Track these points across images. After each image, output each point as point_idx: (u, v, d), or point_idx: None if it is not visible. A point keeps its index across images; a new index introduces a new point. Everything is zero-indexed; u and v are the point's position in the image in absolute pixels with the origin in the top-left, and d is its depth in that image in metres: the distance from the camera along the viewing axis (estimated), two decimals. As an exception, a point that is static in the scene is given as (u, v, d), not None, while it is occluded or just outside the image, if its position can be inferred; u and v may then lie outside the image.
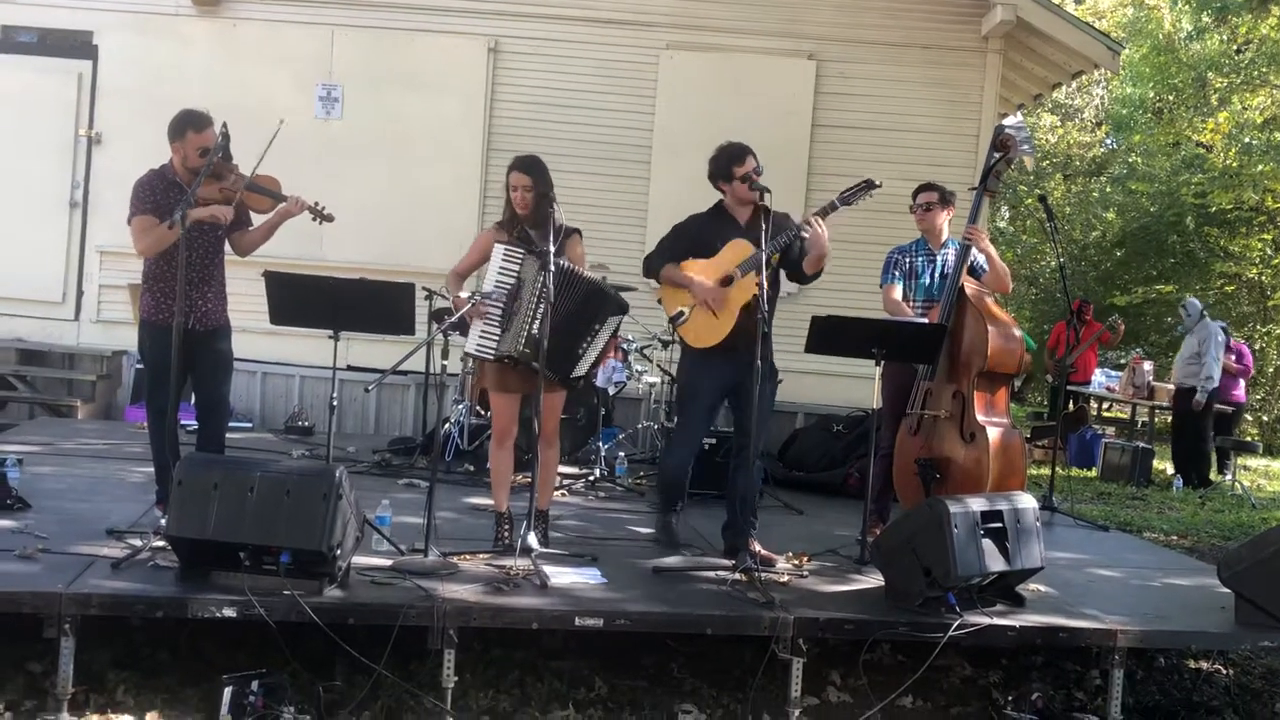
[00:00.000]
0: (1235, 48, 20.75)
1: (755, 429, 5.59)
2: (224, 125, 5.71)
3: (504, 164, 9.53)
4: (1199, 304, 12.85)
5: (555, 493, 6.61)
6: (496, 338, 5.45)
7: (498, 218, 5.93)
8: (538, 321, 5.31)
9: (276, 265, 6.07)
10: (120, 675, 4.66)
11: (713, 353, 5.92)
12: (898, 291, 6.67)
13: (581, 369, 5.56)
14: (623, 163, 10.06)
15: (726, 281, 5.90)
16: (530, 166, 5.65)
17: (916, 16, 10.18)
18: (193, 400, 6.09)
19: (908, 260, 6.72)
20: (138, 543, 5.09)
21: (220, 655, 4.79)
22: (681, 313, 5.99)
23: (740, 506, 5.85)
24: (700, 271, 5.96)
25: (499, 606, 4.74)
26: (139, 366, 9.77)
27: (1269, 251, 19.55)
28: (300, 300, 5.56)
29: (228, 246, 6.00)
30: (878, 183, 5.95)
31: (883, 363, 6.03)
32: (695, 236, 6.04)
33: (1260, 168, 18.14)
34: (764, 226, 5.63)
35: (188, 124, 5.74)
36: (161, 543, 4.92)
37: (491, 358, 5.49)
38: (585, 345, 5.47)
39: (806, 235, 5.85)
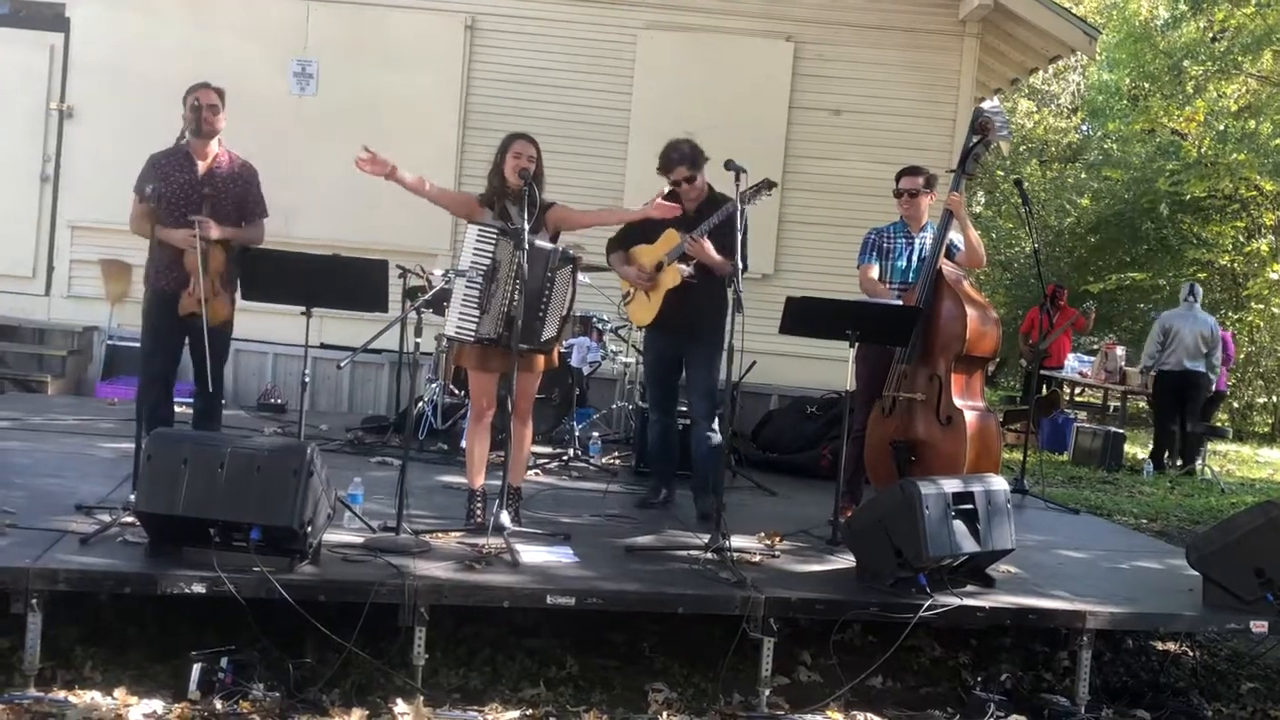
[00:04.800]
0: (1211, 36, 20.83)
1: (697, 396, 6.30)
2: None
3: (480, 142, 9.66)
4: (1188, 287, 12.91)
5: (529, 472, 6.62)
6: (476, 320, 5.41)
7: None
8: (515, 303, 5.29)
9: (249, 240, 6.05)
10: (88, 651, 4.63)
11: (656, 329, 6.54)
12: (874, 271, 6.66)
13: (549, 330, 5.53)
14: (599, 142, 10.00)
15: (659, 267, 6.38)
16: (535, 141, 5.69)
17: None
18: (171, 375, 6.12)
19: (885, 241, 6.69)
20: (107, 518, 5.05)
21: (189, 631, 4.76)
22: (627, 294, 6.69)
23: (697, 470, 6.53)
24: (642, 255, 6.47)
25: (471, 584, 4.73)
26: (110, 342, 9.73)
27: (1241, 239, 19.68)
28: (273, 276, 5.52)
29: None
30: (774, 182, 6.21)
31: (858, 344, 6.05)
32: (643, 225, 6.32)
33: (1235, 156, 18.26)
34: (738, 217, 5.86)
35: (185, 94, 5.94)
36: (131, 518, 4.89)
37: (472, 340, 5.47)
38: (544, 305, 5.45)
39: (690, 265, 6.23)
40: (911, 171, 6.71)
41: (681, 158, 6.31)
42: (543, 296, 5.43)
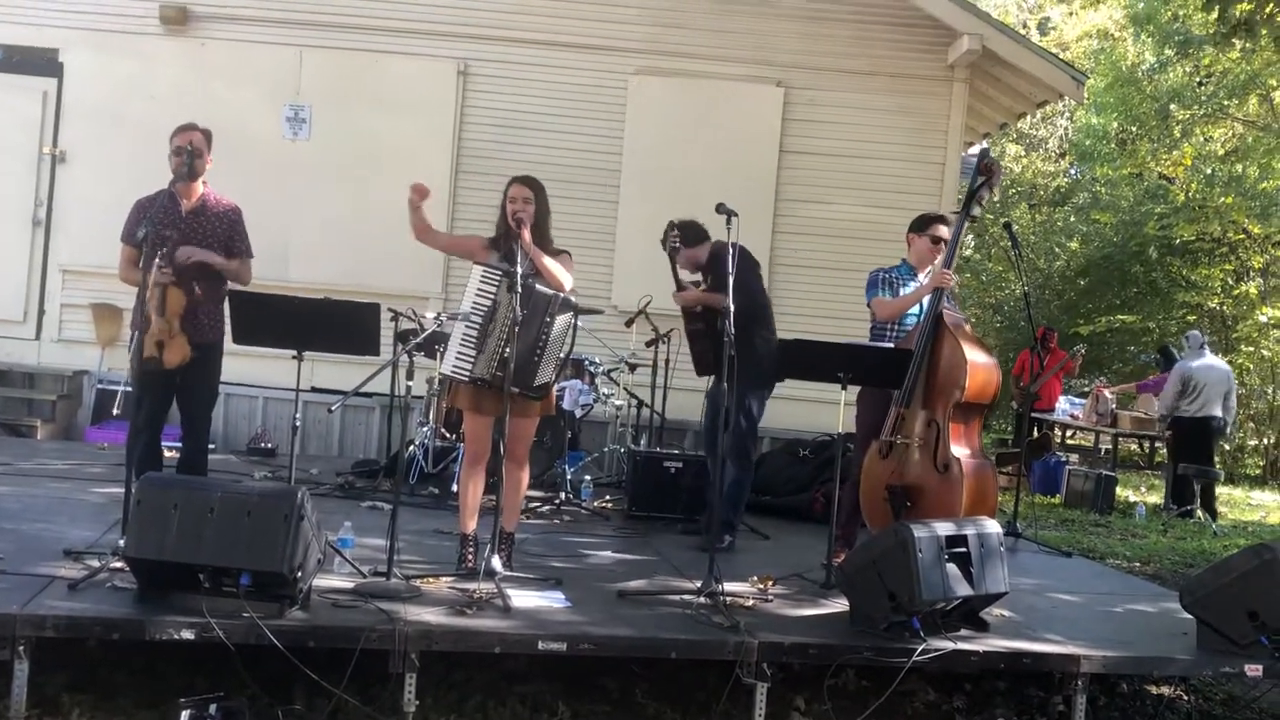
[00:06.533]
0: (1198, 80, 21.03)
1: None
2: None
3: (473, 186, 9.74)
4: (1198, 337, 13.03)
5: (520, 516, 6.59)
6: (472, 359, 5.41)
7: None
8: (511, 344, 5.29)
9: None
10: (76, 698, 4.58)
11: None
12: (887, 297, 6.58)
13: (544, 376, 5.53)
14: (592, 186, 10.07)
15: None
16: (533, 183, 5.72)
17: (883, 45, 10.28)
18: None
19: (895, 280, 6.62)
20: (95, 563, 5.02)
21: (178, 678, 4.72)
22: None
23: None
24: None
25: (461, 630, 4.70)
26: (100, 386, 9.70)
27: (1230, 282, 19.78)
28: (264, 319, 5.50)
29: None
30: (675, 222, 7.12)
31: (860, 388, 6.04)
32: None
33: (1223, 199, 18.39)
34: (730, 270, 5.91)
35: (173, 134, 5.95)
36: (120, 564, 4.85)
37: (467, 379, 5.46)
38: (540, 350, 5.45)
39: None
40: (940, 220, 6.71)
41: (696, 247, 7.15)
42: (539, 341, 5.43)
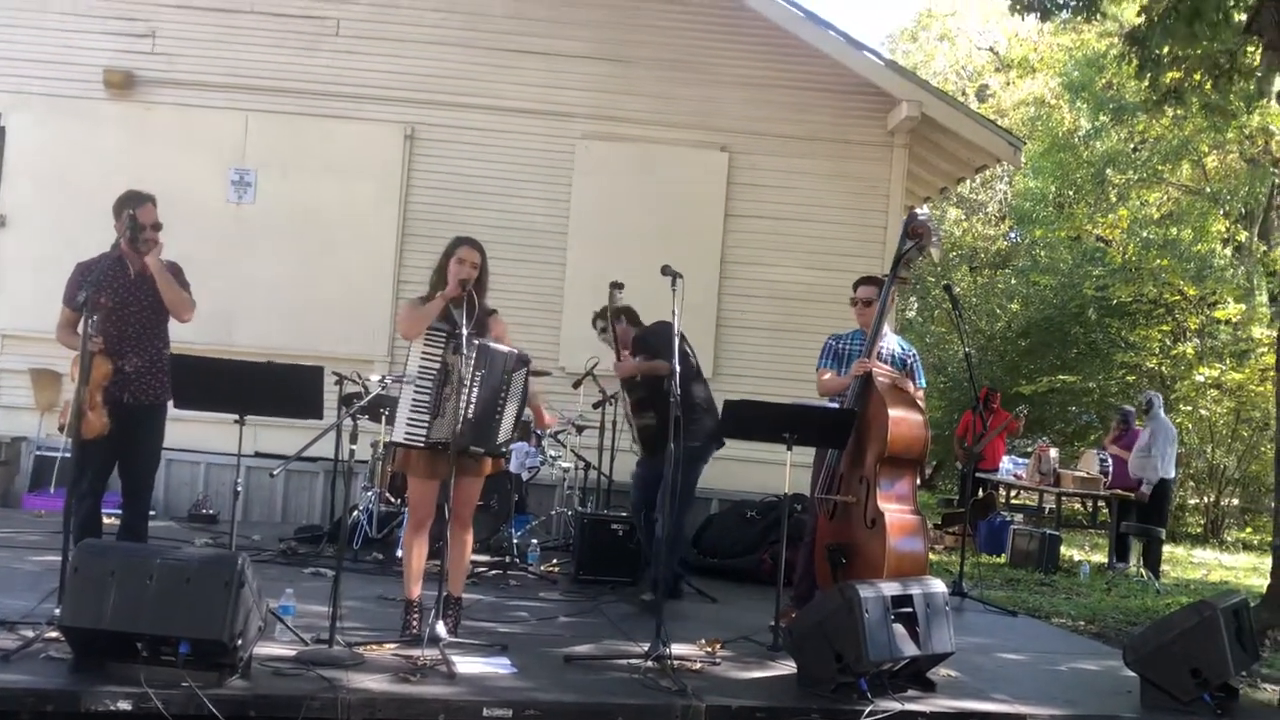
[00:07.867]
0: (1132, 146, 21.54)
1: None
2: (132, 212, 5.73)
3: (419, 249, 9.73)
4: (1159, 397, 13.27)
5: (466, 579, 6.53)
6: (427, 425, 5.37)
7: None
8: (472, 406, 5.27)
9: (183, 349, 5.99)
10: (6, 773, 4.47)
11: None
12: (828, 374, 6.71)
13: (505, 433, 5.51)
14: (539, 249, 10.11)
15: None
16: (481, 247, 5.71)
17: (825, 111, 10.45)
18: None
19: (844, 347, 6.74)
20: (30, 634, 4.91)
21: (114, 751, 4.62)
22: None
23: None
24: None
25: (405, 697, 4.64)
26: (38, 453, 9.53)
27: (1167, 342, 20.14)
28: (205, 384, 5.44)
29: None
30: (620, 283, 7.59)
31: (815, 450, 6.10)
32: None
33: (1159, 262, 18.78)
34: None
35: (123, 203, 5.86)
36: (55, 633, 4.75)
37: (423, 445, 5.42)
38: (500, 409, 5.43)
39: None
40: (869, 282, 6.80)
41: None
42: (499, 399, 5.41)
